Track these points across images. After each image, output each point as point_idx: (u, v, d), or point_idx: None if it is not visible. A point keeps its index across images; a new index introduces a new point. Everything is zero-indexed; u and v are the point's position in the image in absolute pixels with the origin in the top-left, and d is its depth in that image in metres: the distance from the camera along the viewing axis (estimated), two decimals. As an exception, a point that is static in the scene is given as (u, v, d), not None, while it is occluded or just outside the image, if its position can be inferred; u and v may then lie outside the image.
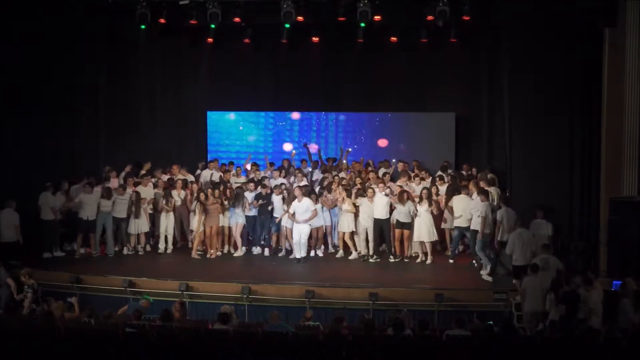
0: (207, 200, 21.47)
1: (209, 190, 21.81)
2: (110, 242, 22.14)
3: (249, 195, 21.95)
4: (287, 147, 26.66)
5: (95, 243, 22.11)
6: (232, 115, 27.13)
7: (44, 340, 13.50)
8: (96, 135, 24.43)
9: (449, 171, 23.51)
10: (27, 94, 22.12)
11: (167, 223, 22.37)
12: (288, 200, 21.47)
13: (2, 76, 21.73)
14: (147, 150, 25.23)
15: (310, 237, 21.47)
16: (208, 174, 23.95)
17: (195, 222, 21.66)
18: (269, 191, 21.94)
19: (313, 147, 25.78)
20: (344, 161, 24.75)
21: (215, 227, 21.68)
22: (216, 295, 19.09)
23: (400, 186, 21.73)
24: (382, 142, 26.43)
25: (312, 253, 21.84)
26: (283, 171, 23.59)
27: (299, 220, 21.07)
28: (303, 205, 21.08)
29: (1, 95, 21.73)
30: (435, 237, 21.12)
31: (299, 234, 21.20)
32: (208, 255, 21.80)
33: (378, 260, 21.32)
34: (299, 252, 21.27)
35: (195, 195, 21.95)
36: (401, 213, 21.02)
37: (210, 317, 17.69)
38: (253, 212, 21.96)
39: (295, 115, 26.94)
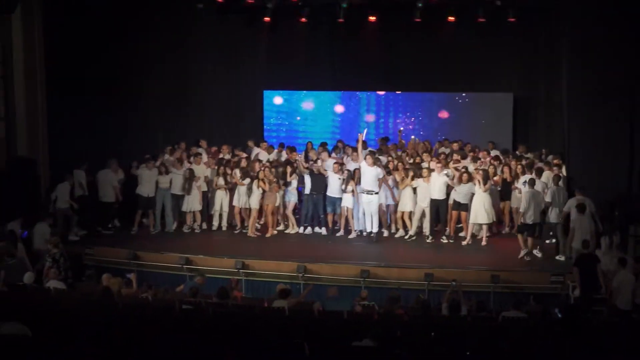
0: (265, 179, 21.40)
1: (267, 169, 21.74)
2: (170, 218, 22.28)
3: (305, 176, 21.88)
4: (369, 118, 26.67)
5: (155, 220, 22.24)
6: (288, 95, 27.14)
7: (102, 315, 13.57)
8: (152, 113, 24.53)
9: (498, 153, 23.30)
10: (84, 71, 22.25)
11: (223, 201, 22.37)
12: (348, 180, 21.30)
13: (60, 52, 21.88)
14: (203, 128, 25.26)
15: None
16: (255, 154, 23.85)
17: (254, 199, 21.64)
18: (322, 171, 21.83)
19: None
20: (402, 141, 24.62)
21: (272, 206, 21.66)
22: (272, 273, 19.11)
23: (465, 167, 21.41)
24: (443, 114, 26.28)
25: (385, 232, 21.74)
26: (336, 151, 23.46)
27: (367, 187, 20.79)
28: (374, 172, 20.77)
29: (60, 70, 21.88)
30: (493, 219, 20.85)
31: (368, 205, 20.91)
32: (267, 235, 21.78)
33: (433, 240, 21.14)
34: (373, 225, 21.03)
35: (238, 174, 21.92)
36: (460, 194, 20.81)
37: (266, 295, 17.73)
38: (306, 192, 21.90)
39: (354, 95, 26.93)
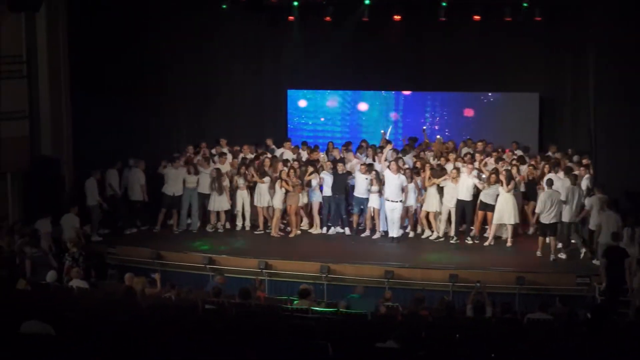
0: (289, 179, 21.32)
1: (291, 168, 21.60)
2: (196, 218, 22.28)
3: (326, 176, 21.83)
4: (394, 117, 26.65)
5: (181, 220, 22.23)
6: (311, 94, 27.15)
7: (124, 314, 13.60)
8: (175, 112, 24.60)
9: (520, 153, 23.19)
10: (108, 70, 22.32)
11: (244, 201, 22.31)
12: (376, 180, 21.17)
13: (84, 51, 21.95)
14: (225, 127, 25.29)
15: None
16: (278, 154, 23.75)
17: (277, 199, 21.58)
18: (344, 170, 21.78)
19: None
20: (427, 141, 24.50)
21: (295, 206, 21.59)
22: (295, 273, 19.12)
23: (496, 169, 21.23)
24: (468, 112, 26.18)
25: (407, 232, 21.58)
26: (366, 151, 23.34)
27: (390, 196, 20.74)
28: (397, 181, 20.68)
29: (84, 69, 21.96)
30: (517, 220, 20.73)
31: (391, 212, 20.86)
32: (291, 235, 21.73)
33: (457, 241, 21.05)
34: (394, 231, 20.92)
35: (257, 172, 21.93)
36: (487, 194, 20.69)
37: (290, 295, 17.70)
38: (327, 192, 21.83)
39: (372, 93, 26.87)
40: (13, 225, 19.48)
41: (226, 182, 22.14)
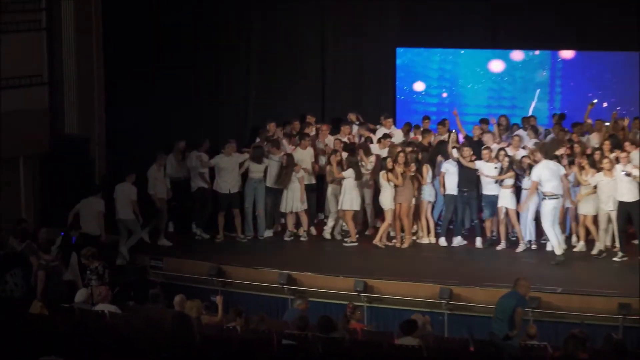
0: (394, 170, 21.19)
1: (402, 152, 21.44)
2: (262, 220, 22.32)
3: (451, 166, 21.60)
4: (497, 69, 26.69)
5: (246, 222, 22.30)
6: (427, 53, 27.31)
7: (174, 350, 13.59)
8: (242, 80, 24.69)
9: None
10: (152, 25, 22.65)
11: (339, 199, 22.15)
12: (506, 170, 21.00)
13: (138, 19, 22.25)
14: (315, 101, 25.32)
15: None
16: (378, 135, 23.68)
17: (386, 198, 21.43)
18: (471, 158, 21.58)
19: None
20: (589, 120, 24.03)
21: (407, 205, 21.43)
22: (404, 299, 19.02)
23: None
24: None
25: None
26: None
27: (546, 188, 20.37)
28: (556, 168, 20.50)
29: (121, 24, 22.18)
30: None
31: (551, 212, 20.46)
32: (403, 245, 21.66)
33: (625, 258, 20.64)
34: (555, 239, 20.62)
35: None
36: (644, 192, 20.40)
37: (397, 328, 17.57)
38: (454, 190, 21.65)
39: (518, 55, 26.59)
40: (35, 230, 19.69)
41: (300, 174, 22.04)
